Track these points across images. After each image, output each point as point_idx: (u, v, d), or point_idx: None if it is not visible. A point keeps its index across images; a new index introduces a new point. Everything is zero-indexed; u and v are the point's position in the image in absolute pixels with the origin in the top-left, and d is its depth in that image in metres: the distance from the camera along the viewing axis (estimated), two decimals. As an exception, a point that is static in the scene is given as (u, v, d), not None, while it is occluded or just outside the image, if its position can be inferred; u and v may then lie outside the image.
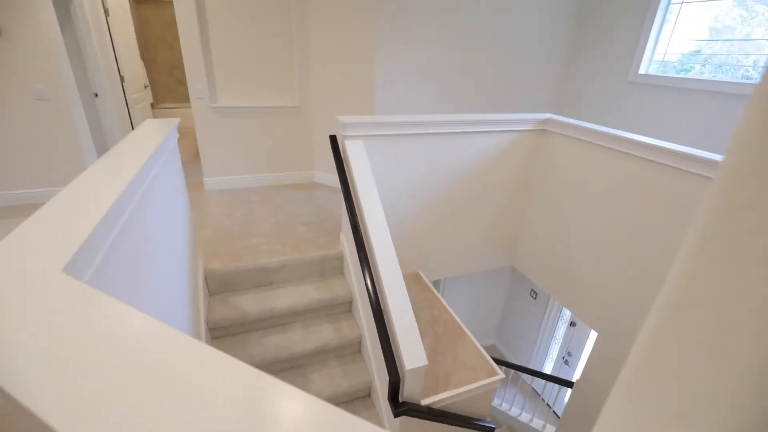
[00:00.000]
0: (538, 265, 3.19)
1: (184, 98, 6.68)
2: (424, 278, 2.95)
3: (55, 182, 3.39)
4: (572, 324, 4.48)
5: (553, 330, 4.71)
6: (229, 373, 0.51)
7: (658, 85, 3.38)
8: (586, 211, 2.66)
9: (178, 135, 2.09)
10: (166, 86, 6.60)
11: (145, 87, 5.26)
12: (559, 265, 2.95)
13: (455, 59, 3.59)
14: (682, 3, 3.23)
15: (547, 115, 2.88)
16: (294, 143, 3.91)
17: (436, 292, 2.83)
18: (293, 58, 3.62)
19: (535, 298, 4.80)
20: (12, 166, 3.23)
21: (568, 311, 4.50)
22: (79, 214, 0.94)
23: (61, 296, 0.65)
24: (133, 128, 4.54)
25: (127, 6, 4.72)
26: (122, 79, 4.30)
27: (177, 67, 6.48)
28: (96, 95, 4.01)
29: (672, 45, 3.35)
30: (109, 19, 4.05)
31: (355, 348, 2.47)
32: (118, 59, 4.22)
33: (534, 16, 3.70)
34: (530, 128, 2.88)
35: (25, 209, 3.23)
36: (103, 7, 3.96)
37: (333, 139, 2.41)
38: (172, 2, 2.98)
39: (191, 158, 4.85)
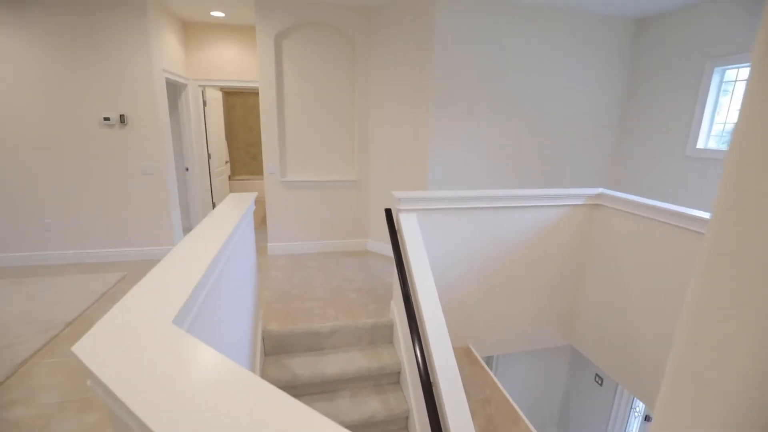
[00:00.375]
0: (600, 345, 2.97)
1: (256, 171, 7.51)
2: (475, 353, 2.86)
3: (143, 243, 3.89)
4: (647, 419, 3.95)
5: (624, 424, 4.16)
6: (300, 413, 0.61)
7: (718, 159, 3.29)
8: (650, 289, 2.52)
9: (254, 207, 2.40)
10: (242, 161, 7.49)
11: (226, 162, 6.04)
12: (623, 347, 2.74)
13: (506, 134, 3.81)
14: (735, 81, 3.25)
15: (600, 190, 2.89)
16: (350, 214, 4.21)
17: (487, 369, 2.72)
18: (354, 140, 4.05)
19: (600, 385, 4.34)
20: (112, 228, 3.80)
21: (640, 402, 4.00)
22: (181, 278, 1.14)
23: (172, 342, 0.81)
24: (213, 197, 5.15)
25: (220, 96, 5.64)
26: (209, 156, 5.01)
27: (252, 145, 7.40)
28: (187, 169, 4.69)
29: (733, 116, 3.30)
30: (206, 108, 4.85)
31: (402, 423, 2.40)
32: (208, 140, 4.96)
33: (584, 91, 3.90)
34: (582, 203, 2.89)
35: (120, 265, 3.71)
36: (203, 99, 4.78)
37: (388, 213, 2.59)
38: (254, 92, 3.58)
39: (258, 224, 5.32)
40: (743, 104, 0.39)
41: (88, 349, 0.79)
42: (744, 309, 0.32)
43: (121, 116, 3.58)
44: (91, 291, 3.16)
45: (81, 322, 2.72)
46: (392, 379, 2.57)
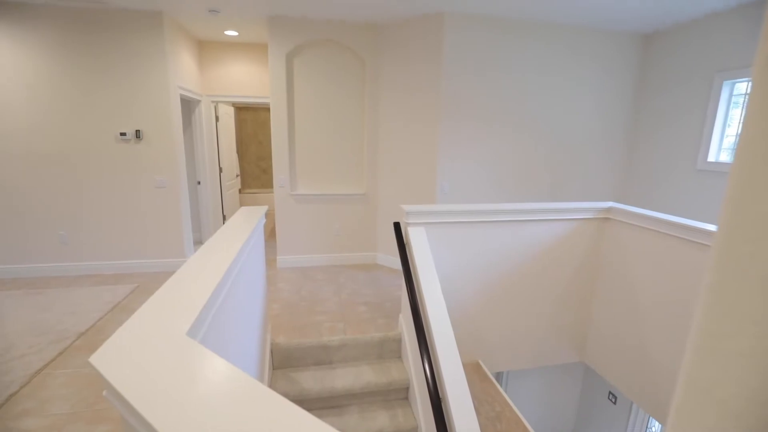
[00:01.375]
0: (613, 362, 2.91)
1: (266, 184, 7.60)
2: (485, 369, 2.82)
3: (155, 255, 3.95)
4: (664, 440, 3.82)
5: (640, 445, 4.02)
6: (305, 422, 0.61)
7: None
8: (664, 305, 2.48)
9: (265, 220, 2.43)
10: (252, 174, 7.60)
11: (237, 176, 6.13)
12: (638, 364, 2.68)
13: (514, 147, 3.82)
14: (746, 94, 3.23)
15: (610, 204, 2.87)
16: (359, 227, 4.23)
17: (498, 385, 2.68)
18: (363, 154, 4.10)
19: (614, 403, 4.23)
20: (125, 240, 3.87)
21: (656, 421, 3.88)
22: (194, 292, 1.16)
23: (188, 354, 0.82)
24: (223, 210, 5.23)
25: (232, 112, 5.77)
26: (221, 170, 5.10)
27: (262, 158, 7.51)
28: (199, 183, 4.77)
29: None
30: (218, 123, 4.96)
31: (411, 440, 2.36)
32: (219, 154, 5.06)
33: (592, 105, 3.92)
34: (592, 216, 2.88)
35: (132, 277, 3.76)
36: (215, 114, 4.89)
37: (397, 226, 2.60)
38: (265, 108, 3.66)
39: (268, 237, 5.37)
40: (745, 118, 0.40)
41: (104, 359, 0.80)
42: (751, 325, 0.33)
43: (137, 131, 3.68)
44: (104, 302, 3.20)
45: (93, 333, 2.75)
46: (401, 394, 2.54)
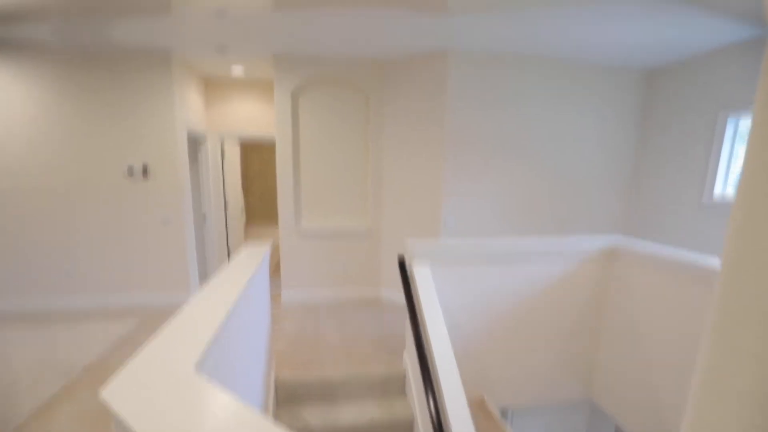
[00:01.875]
0: (622, 401, 2.84)
1: (271, 219, 7.70)
2: (489, 406, 2.76)
3: (160, 290, 3.98)
4: (682, 483, 3.63)
5: (657, 489, 3.82)
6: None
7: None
8: (672, 342, 2.44)
9: (269, 255, 2.48)
10: (256, 208, 7.72)
11: (242, 210, 6.24)
12: (648, 403, 2.61)
13: (519, 182, 3.89)
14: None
15: (617, 238, 2.88)
16: (364, 262, 4.25)
17: (503, 423, 2.61)
18: (368, 189, 4.19)
19: (627, 443, 4.05)
20: (131, 275, 3.92)
21: (673, 464, 3.70)
22: (201, 326, 1.20)
23: (193, 389, 0.85)
24: (228, 244, 5.28)
25: (238, 149, 5.95)
26: (226, 205, 5.20)
27: (267, 192, 7.66)
28: (204, 217, 4.87)
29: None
30: (224, 160, 5.12)
31: (416, 483, 2.29)
32: (225, 189, 5.18)
33: (596, 139, 3.99)
34: (599, 251, 2.86)
35: (137, 311, 3.77)
36: (222, 151, 5.06)
37: (401, 261, 2.63)
38: (269, 147, 3.78)
39: (272, 271, 5.38)
40: (747, 153, 0.40)
41: (114, 394, 0.83)
42: (753, 365, 0.35)
43: (144, 168, 3.80)
44: (109, 336, 3.20)
45: (98, 367, 2.74)
46: (405, 431, 2.48)
